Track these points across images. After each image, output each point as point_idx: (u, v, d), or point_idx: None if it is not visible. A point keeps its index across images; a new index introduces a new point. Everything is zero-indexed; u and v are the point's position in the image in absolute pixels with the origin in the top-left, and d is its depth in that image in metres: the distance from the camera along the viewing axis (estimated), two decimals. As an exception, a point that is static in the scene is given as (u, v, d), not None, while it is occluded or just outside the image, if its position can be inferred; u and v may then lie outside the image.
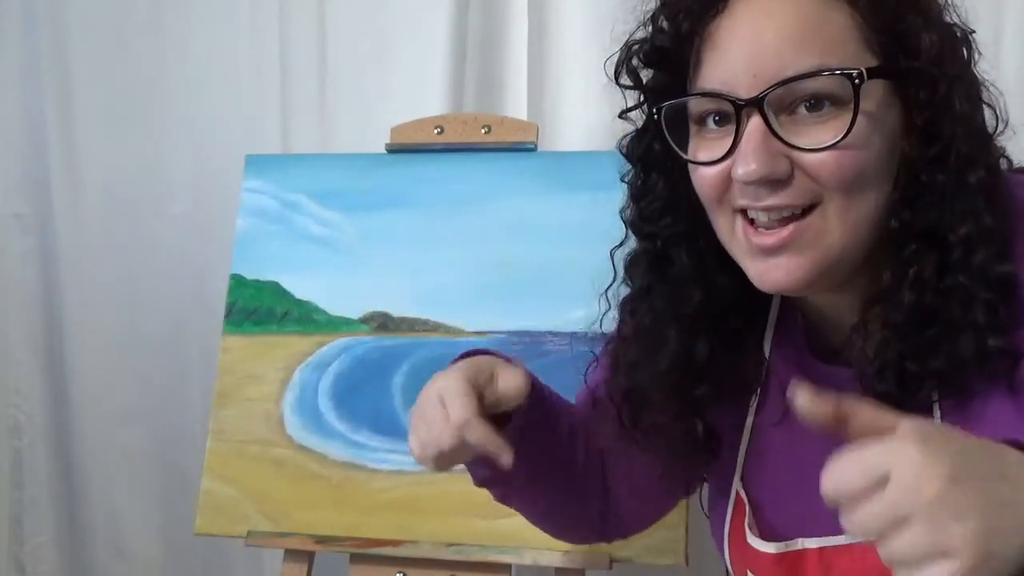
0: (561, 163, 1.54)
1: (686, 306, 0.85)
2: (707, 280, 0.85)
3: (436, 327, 1.52)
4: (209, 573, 2.03)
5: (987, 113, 0.80)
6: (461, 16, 1.83)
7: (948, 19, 0.79)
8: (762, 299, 0.88)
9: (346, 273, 1.57)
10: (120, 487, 2.06)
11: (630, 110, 0.84)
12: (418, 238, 1.56)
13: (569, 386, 1.37)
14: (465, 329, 1.51)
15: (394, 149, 1.62)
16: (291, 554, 1.48)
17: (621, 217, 0.89)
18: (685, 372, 0.87)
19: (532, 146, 1.56)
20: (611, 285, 0.92)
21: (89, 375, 2.06)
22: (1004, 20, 1.61)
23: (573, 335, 1.44)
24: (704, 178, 0.79)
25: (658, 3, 0.81)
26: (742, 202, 0.77)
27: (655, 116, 0.81)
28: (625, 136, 0.86)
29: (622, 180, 0.88)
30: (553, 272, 1.46)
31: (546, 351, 1.45)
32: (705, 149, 0.78)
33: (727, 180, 0.77)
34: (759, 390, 0.91)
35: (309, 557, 1.47)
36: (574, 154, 1.61)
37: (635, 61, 0.82)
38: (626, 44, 0.82)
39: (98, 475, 2.07)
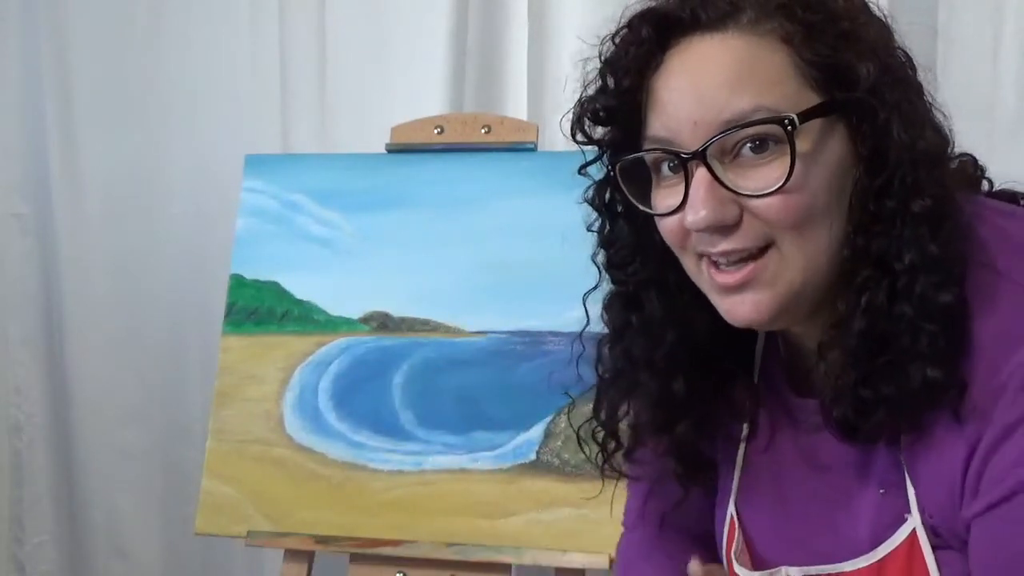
0: (561, 163, 1.53)
1: (659, 348, 0.86)
2: (680, 320, 0.86)
3: (436, 327, 1.52)
4: (209, 573, 2.03)
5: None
6: (461, 16, 1.83)
7: (888, 44, 0.79)
8: (750, 330, 0.89)
9: (346, 273, 1.57)
10: (120, 487, 2.06)
11: (588, 165, 0.87)
12: (418, 238, 1.56)
13: (569, 386, 1.37)
14: (465, 329, 1.51)
15: (394, 149, 1.62)
16: (291, 554, 1.48)
17: (593, 261, 0.90)
18: (665, 411, 0.88)
19: (532, 146, 1.57)
20: (585, 327, 0.93)
21: (89, 375, 2.06)
22: (1004, 20, 1.61)
23: (573, 335, 1.45)
24: (665, 226, 0.80)
25: (602, 61, 0.82)
26: (699, 248, 0.79)
27: (611, 172, 0.83)
28: (588, 187, 0.88)
29: (589, 229, 0.90)
30: (553, 272, 1.46)
31: (546, 351, 1.45)
32: (663, 198, 0.80)
33: (685, 227, 0.78)
34: (749, 419, 0.92)
35: (309, 557, 1.47)
36: (574, 154, 1.60)
37: (586, 120, 0.83)
38: (578, 102, 0.84)
39: (98, 475, 2.07)
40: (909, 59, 0.80)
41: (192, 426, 1.96)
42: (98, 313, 2.05)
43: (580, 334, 0.92)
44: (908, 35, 0.81)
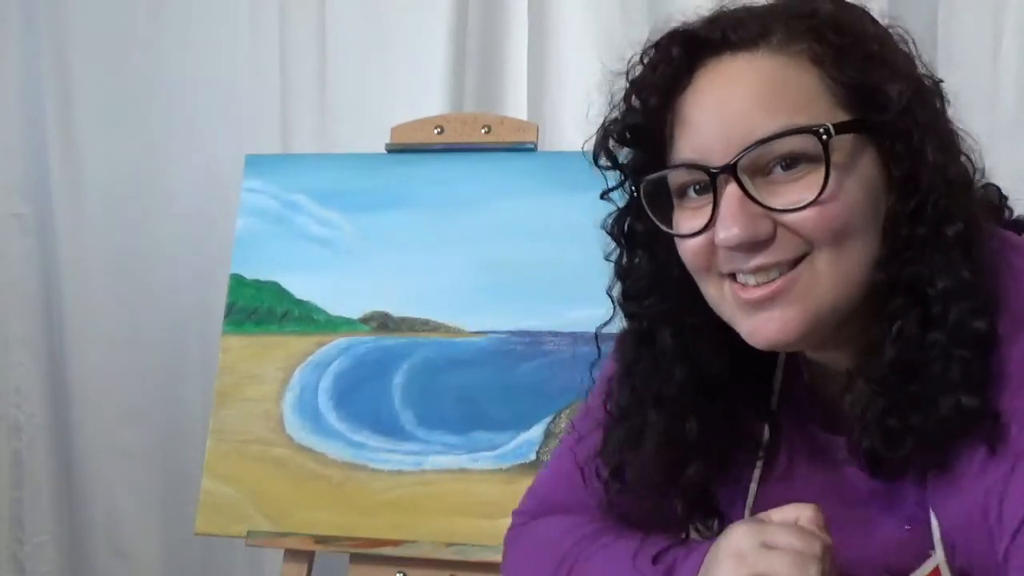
0: (561, 163, 1.54)
1: (668, 386, 0.84)
2: (692, 359, 0.83)
3: (436, 327, 1.52)
4: (209, 573, 2.03)
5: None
6: (461, 16, 1.83)
7: (916, 71, 0.79)
8: (766, 362, 0.87)
9: (346, 273, 1.57)
10: (120, 487, 2.06)
11: (611, 190, 0.85)
12: (418, 238, 1.55)
13: (569, 386, 1.37)
14: (465, 329, 1.51)
15: (394, 149, 1.62)
16: (291, 554, 1.48)
17: (608, 295, 0.88)
18: (673, 452, 0.85)
19: (532, 146, 1.56)
20: (596, 361, 0.92)
21: (89, 375, 2.06)
22: (1004, 20, 1.61)
23: (573, 335, 1.45)
24: (689, 249, 0.79)
25: (628, 82, 0.81)
26: (729, 267, 0.77)
27: (635, 194, 0.82)
28: (609, 215, 0.87)
29: (606, 259, 0.88)
30: (553, 272, 1.46)
31: (546, 351, 1.45)
32: (687, 219, 0.78)
33: (711, 248, 0.77)
34: (765, 450, 0.90)
35: (309, 557, 1.47)
36: (574, 154, 1.59)
37: (611, 142, 0.82)
38: (602, 126, 0.83)
39: (98, 475, 2.07)
40: (936, 85, 0.80)
41: (192, 426, 1.96)
42: (98, 313, 2.05)
43: (596, 334, 0.90)
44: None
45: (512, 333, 1.48)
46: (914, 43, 0.80)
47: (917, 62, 0.80)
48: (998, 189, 0.86)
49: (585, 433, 0.92)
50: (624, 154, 0.82)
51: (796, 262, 0.75)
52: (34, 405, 2.08)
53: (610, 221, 0.86)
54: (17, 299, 2.08)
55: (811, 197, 0.73)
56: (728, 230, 0.74)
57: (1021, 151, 1.57)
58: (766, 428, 0.89)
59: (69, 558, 2.09)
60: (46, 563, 2.08)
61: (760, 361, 0.84)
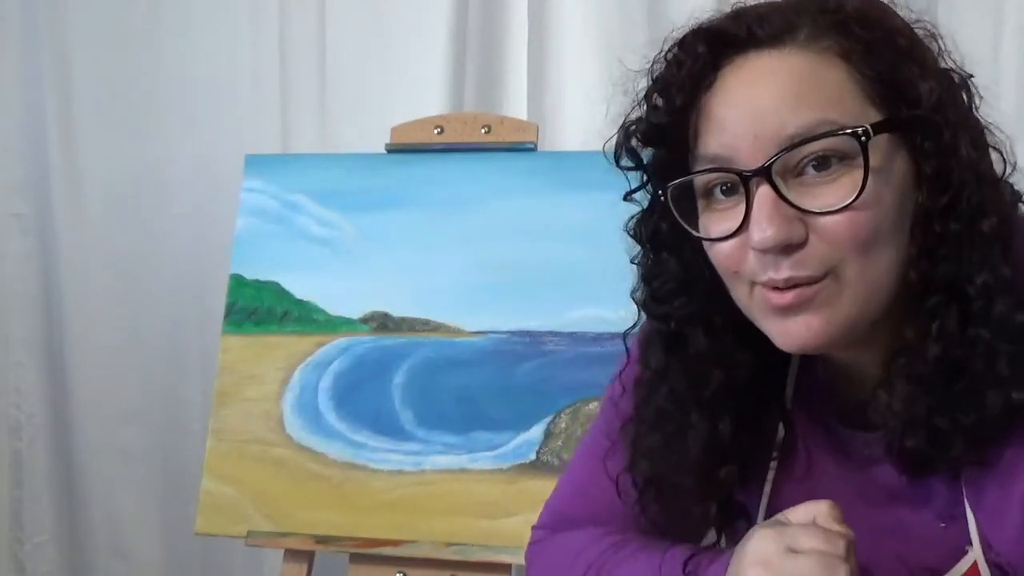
0: (561, 163, 1.54)
1: (706, 387, 0.83)
2: (726, 358, 0.83)
3: (436, 327, 1.52)
4: (209, 573, 2.03)
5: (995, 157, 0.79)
6: (461, 16, 1.83)
7: (944, 65, 0.78)
8: (781, 359, 0.86)
9: (346, 273, 1.57)
10: (120, 487, 2.06)
11: (635, 191, 0.83)
12: (418, 238, 1.56)
13: (568, 386, 1.37)
14: (465, 329, 1.51)
15: (394, 149, 1.62)
16: (291, 554, 1.48)
17: (632, 298, 0.87)
18: (710, 455, 0.84)
19: (532, 146, 1.56)
20: (624, 368, 0.91)
21: (89, 375, 2.06)
22: (1004, 20, 1.61)
23: (573, 335, 1.45)
24: (720, 252, 0.77)
25: (650, 81, 0.80)
26: (762, 278, 0.75)
27: (661, 197, 0.80)
28: (631, 217, 0.85)
29: (632, 262, 0.86)
30: (553, 272, 1.46)
31: (546, 351, 1.45)
32: (716, 222, 0.77)
33: (744, 251, 0.75)
34: (782, 448, 0.89)
35: (309, 557, 1.47)
36: (574, 154, 1.61)
37: (633, 141, 0.81)
38: (623, 126, 0.81)
39: (98, 475, 2.07)
40: (963, 80, 0.79)
41: (192, 426, 1.96)
42: (98, 313, 2.05)
43: (625, 336, 0.89)
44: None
45: (512, 333, 1.48)
46: (942, 38, 0.79)
47: (947, 57, 0.79)
48: (1011, 186, 0.86)
49: (614, 441, 0.91)
50: (646, 154, 0.81)
51: (823, 276, 0.74)
52: (34, 405, 2.09)
53: (632, 223, 0.85)
54: (17, 299, 2.08)
55: (847, 200, 0.72)
56: (763, 232, 0.73)
57: (1021, 150, 1.57)
58: (780, 428, 0.88)
59: (69, 558, 2.09)
60: (46, 563, 2.08)
61: (775, 360, 0.84)
